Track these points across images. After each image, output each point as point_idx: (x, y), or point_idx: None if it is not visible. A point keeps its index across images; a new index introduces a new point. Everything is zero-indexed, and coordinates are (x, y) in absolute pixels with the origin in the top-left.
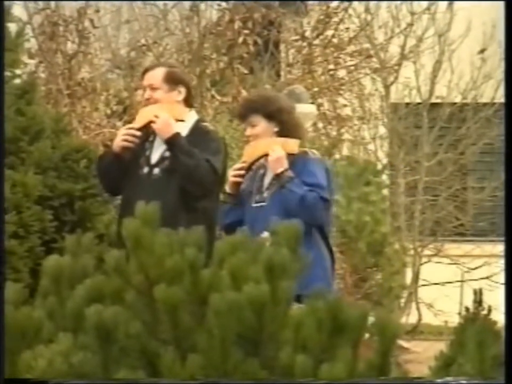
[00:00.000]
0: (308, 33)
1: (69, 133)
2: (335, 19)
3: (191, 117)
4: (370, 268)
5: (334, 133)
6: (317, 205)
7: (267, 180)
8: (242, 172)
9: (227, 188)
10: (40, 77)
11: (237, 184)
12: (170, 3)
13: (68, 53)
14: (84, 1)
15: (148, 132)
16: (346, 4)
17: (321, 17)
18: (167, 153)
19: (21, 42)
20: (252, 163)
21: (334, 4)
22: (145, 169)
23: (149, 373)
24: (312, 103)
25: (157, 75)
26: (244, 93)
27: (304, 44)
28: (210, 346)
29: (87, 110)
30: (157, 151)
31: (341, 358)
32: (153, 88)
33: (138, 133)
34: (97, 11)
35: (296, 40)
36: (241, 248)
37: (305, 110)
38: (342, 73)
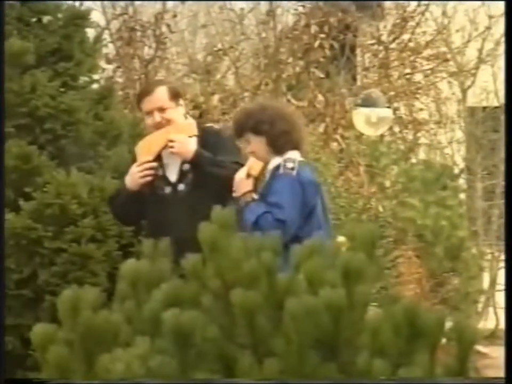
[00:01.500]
0: (384, 37)
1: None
2: (412, 23)
3: (193, 126)
4: (448, 273)
5: (410, 137)
6: (269, 228)
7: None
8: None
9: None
10: (117, 82)
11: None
12: (247, 8)
13: (145, 58)
14: (161, 7)
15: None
16: (423, 7)
17: (398, 21)
18: (186, 167)
19: (98, 47)
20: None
21: (411, 8)
22: (167, 189)
23: (226, 377)
24: (388, 107)
25: (162, 95)
26: (320, 97)
27: (381, 47)
28: (287, 351)
29: None
30: (173, 168)
31: (419, 363)
32: (162, 110)
33: (155, 164)
34: (175, 16)
35: (373, 44)
36: (318, 252)
37: (381, 114)
38: (418, 77)
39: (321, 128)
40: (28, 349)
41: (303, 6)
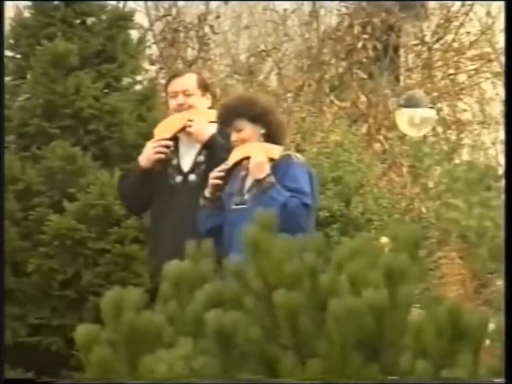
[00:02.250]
0: (427, 38)
1: None
2: (456, 23)
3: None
4: (491, 274)
5: (453, 138)
6: (298, 212)
7: (248, 182)
8: (221, 175)
9: (206, 192)
10: (160, 83)
11: (216, 188)
12: (290, 8)
13: (188, 59)
14: (204, 8)
15: (174, 137)
16: (467, 8)
17: (441, 21)
18: (201, 158)
19: (142, 49)
20: (233, 167)
21: (455, 8)
22: (178, 178)
23: (269, 378)
24: (431, 107)
25: (190, 81)
26: (363, 98)
27: (424, 48)
28: (330, 352)
29: None
30: (187, 158)
31: (462, 364)
32: (187, 94)
33: (171, 143)
34: (218, 17)
35: (416, 45)
36: (361, 253)
37: (425, 114)
38: (462, 77)
39: (364, 129)
40: (71, 349)
41: (346, 7)
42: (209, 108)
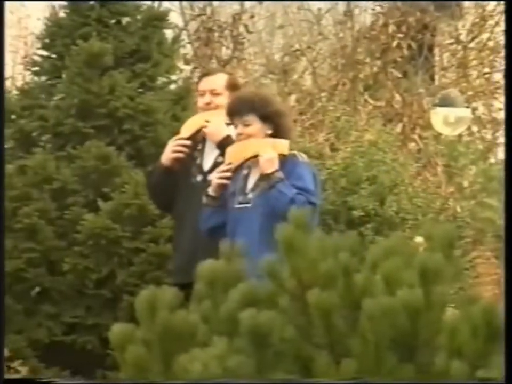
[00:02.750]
0: (463, 37)
1: None
2: (491, 22)
3: None
4: None
5: (489, 137)
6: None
7: (251, 181)
8: (228, 174)
9: (210, 190)
10: (195, 82)
11: (221, 187)
12: (325, 8)
13: (223, 59)
14: (238, 8)
15: (196, 140)
16: (503, 6)
17: (477, 20)
18: (221, 159)
19: (176, 48)
20: (240, 165)
21: (490, 7)
22: (199, 177)
23: (303, 377)
24: (467, 107)
25: (219, 81)
26: (398, 97)
27: (459, 47)
28: (364, 351)
29: None
30: (209, 158)
31: (497, 364)
32: (215, 94)
33: (188, 143)
34: (252, 16)
35: (451, 44)
36: (395, 252)
37: (460, 113)
38: (497, 76)
39: (398, 128)
40: (106, 348)
41: (381, 6)
42: None
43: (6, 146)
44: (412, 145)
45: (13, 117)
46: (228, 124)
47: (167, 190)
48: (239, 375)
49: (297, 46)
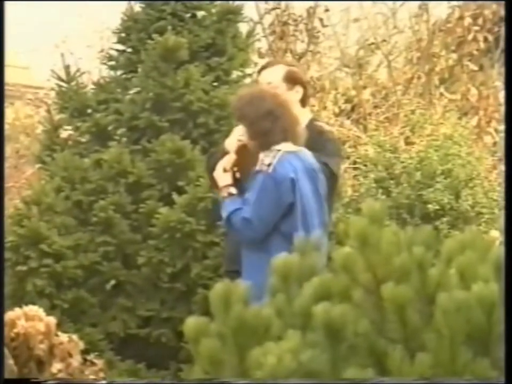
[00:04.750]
0: None
1: None
2: None
3: (306, 116)
4: None
5: None
6: (237, 226)
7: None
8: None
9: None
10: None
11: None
12: (400, 1)
13: (297, 52)
14: (313, 1)
15: None
16: None
17: None
18: None
19: (251, 42)
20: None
21: None
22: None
23: (377, 372)
24: None
25: (277, 73)
26: (474, 90)
27: None
28: (439, 346)
29: (316, 109)
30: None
31: None
32: (271, 87)
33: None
34: (327, 10)
35: None
36: (470, 247)
37: None
38: None
39: (474, 122)
40: (181, 341)
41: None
42: (302, 101)
43: (82, 140)
44: (487, 138)
45: (89, 111)
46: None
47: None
48: (313, 369)
49: (372, 40)
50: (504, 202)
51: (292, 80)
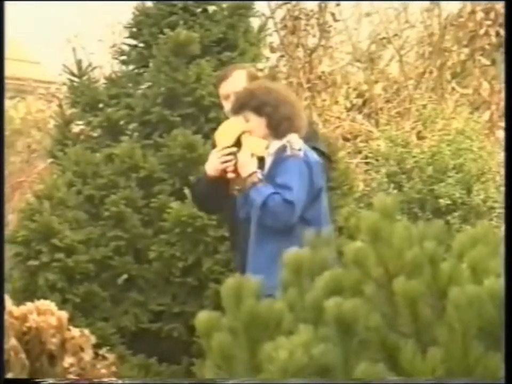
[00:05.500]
0: None
1: None
2: None
3: None
4: None
5: None
6: (278, 209)
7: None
8: (227, 158)
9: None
10: (281, 70)
11: (223, 172)
12: None
13: (309, 47)
14: None
15: (237, 141)
16: None
17: None
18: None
19: (263, 36)
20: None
21: None
22: None
23: (389, 366)
24: None
25: (239, 80)
26: (486, 85)
27: None
28: (451, 340)
29: (327, 103)
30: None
31: None
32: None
33: (235, 149)
34: (338, 4)
35: None
36: (482, 241)
37: None
38: None
39: (486, 116)
40: (192, 335)
41: None
42: None
43: (94, 134)
44: (499, 133)
45: (101, 105)
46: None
47: (212, 199)
48: (324, 363)
49: (384, 34)
50: (505, 202)
51: (255, 78)
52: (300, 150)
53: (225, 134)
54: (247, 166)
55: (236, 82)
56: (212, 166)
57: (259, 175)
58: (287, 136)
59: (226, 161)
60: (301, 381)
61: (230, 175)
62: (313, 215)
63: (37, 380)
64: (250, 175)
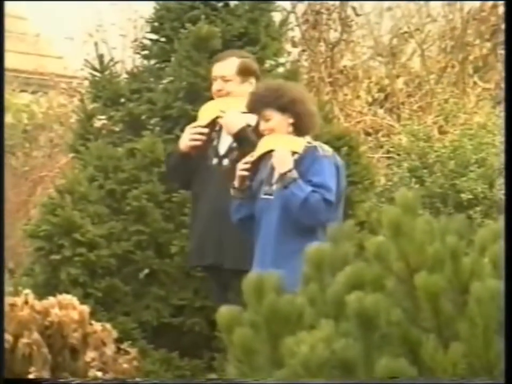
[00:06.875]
0: None
1: (330, 121)
2: None
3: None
4: None
5: None
6: (318, 208)
7: (277, 172)
8: (248, 166)
9: (235, 183)
10: (303, 65)
11: (243, 179)
12: None
13: (331, 41)
14: None
15: (213, 125)
16: None
17: None
18: (235, 144)
19: (284, 31)
20: (259, 158)
21: None
22: (215, 160)
23: (410, 361)
24: None
25: (230, 66)
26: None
27: None
28: (473, 335)
29: (349, 98)
30: (225, 142)
31: None
32: (225, 80)
33: (206, 130)
34: None
35: None
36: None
37: None
38: None
39: None
40: (214, 330)
41: None
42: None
43: (116, 129)
44: None
45: (122, 100)
46: (245, 113)
47: (184, 173)
48: (345, 358)
49: (405, 28)
50: (505, 201)
51: (245, 72)
52: (329, 151)
53: (203, 114)
54: (286, 162)
55: (225, 67)
56: (183, 141)
57: (295, 172)
58: (309, 134)
59: (194, 140)
60: (318, 381)
61: (241, 173)
62: (336, 217)
63: (37, 380)
64: (288, 171)
